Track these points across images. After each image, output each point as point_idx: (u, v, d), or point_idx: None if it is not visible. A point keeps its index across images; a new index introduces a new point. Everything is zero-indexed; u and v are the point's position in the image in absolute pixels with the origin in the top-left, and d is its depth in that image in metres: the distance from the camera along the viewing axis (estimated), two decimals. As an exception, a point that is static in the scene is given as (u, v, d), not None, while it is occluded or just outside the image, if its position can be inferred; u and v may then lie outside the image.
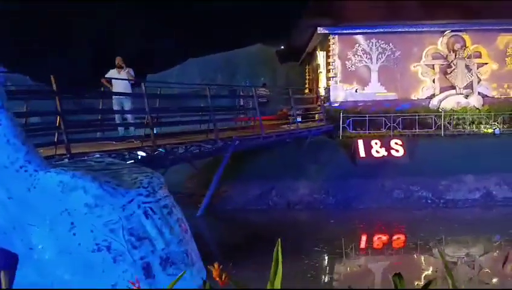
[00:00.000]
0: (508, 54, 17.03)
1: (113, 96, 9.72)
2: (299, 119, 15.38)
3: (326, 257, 8.46)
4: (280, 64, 26.02)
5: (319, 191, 12.19)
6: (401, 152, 13.05)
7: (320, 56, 19.00)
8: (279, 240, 2.23)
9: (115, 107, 9.64)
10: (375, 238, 9.96)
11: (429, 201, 11.71)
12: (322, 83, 18.80)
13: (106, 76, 9.87)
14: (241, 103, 17.35)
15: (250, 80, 23.25)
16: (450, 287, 2.15)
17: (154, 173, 5.77)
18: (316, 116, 16.85)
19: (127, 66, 10.10)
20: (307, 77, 23.54)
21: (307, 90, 22.51)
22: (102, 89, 10.56)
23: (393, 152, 13.07)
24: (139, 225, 5.11)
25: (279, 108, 18.33)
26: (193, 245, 5.57)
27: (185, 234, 5.73)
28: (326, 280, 7.55)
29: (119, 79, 9.59)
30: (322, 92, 18.33)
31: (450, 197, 11.76)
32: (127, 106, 9.50)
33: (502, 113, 15.44)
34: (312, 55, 21.14)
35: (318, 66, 19.61)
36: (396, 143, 13.23)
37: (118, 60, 9.87)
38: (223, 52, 26.94)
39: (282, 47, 24.48)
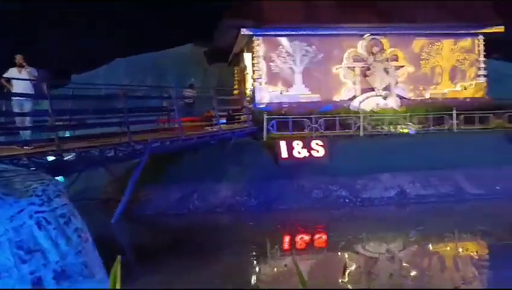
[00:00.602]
0: (422, 57, 17.96)
1: (12, 98, 8.97)
2: (223, 120, 15.22)
3: (242, 259, 8.31)
4: (209, 65, 25.73)
5: (241, 193, 12.07)
6: (322, 153, 13.26)
7: (247, 57, 18.99)
8: (119, 257, 2.00)
9: (15, 110, 8.91)
10: (292, 238, 9.97)
11: (347, 200, 11.98)
12: (249, 85, 18.80)
13: (5, 75, 9.09)
14: (164, 105, 16.86)
15: (180, 81, 22.75)
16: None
17: (52, 180, 5.31)
18: (242, 117, 16.76)
19: (38, 66, 9.41)
20: (236, 78, 23.46)
21: (236, 92, 22.41)
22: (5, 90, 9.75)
23: (314, 153, 13.26)
24: (29, 236, 4.67)
25: (206, 109, 18.07)
26: (95, 256, 5.20)
27: (84, 245, 5.33)
28: (241, 282, 7.40)
29: (19, 79, 8.87)
30: (248, 93, 18.33)
31: (367, 195, 12.10)
32: (27, 108, 8.81)
33: (417, 114, 16.21)
34: (239, 57, 21.09)
35: (245, 67, 19.59)
36: (317, 144, 13.43)
37: (19, 59, 9.12)
38: (152, 52, 26.21)
39: (210, 48, 24.20)
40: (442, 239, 9.65)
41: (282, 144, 13.32)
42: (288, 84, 17.28)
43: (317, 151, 13.30)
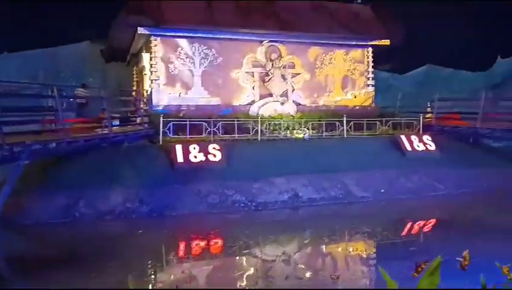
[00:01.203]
0: (317, 66, 18.73)
1: None
2: (116, 122, 14.43)
3: (129, 269, 7.80)
4: (106, 64, 24.40)
5: (133, 200, 11.46)
6: (219, 157, 13.12)
7: (145, 58, 18.29)
8: None
9: None
10: (185, 245, 9.68)
11: (242, 205, 11.95)
12: (147, 86, 18.13)
13: None
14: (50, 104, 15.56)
15: (78, 80, 21.24)
16: None
17: None
18: (138, 119, 16.08)
19: None
20: (135, 79, 22.54)
21: (134, 93, 21.52)
22: None
23: (210, 157, 13.07)
24: None
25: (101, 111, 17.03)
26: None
27: None
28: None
29: None
30: (145, 94, 17.66)
31: (262, 199, 12.18)
32: None
33: (311, 120, 16.80)
34: (138, 57, 20.27)
35: (143, 68, 18.87)
36: (214, 148, 13.27)
37: None
38: (46, 47, 24.12)
39: (106, 46, 22.97)
40: (333, 239, 10.03)
41: (178, 148, 12.95)
42: (187, 86, 16.95)
43: (214, 156, 13.13)
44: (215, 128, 14.98)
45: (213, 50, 17.22)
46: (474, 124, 16.56)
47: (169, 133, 14.58)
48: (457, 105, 19.01)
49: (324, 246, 9.60)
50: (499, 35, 33.17)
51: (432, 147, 15.46)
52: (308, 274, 7.60)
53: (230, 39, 17.24)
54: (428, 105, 19.11)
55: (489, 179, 14.67)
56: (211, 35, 16.94)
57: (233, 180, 12.45)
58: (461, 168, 14.73)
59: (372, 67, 19.64)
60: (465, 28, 36.06)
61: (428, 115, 18.65)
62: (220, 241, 10.07)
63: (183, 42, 16.86)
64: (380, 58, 20.13)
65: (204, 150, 13.15)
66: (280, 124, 16.53)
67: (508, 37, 32.80)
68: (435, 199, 13.53)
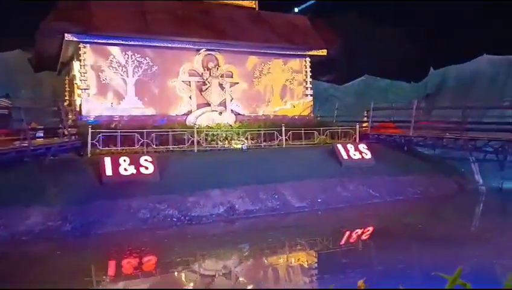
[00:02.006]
0: (255, 75, 18.57)
1: None
2: (40, 134, 13.45)
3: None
4: (37, 73, 23.01)
5: (55, 218, 10.59)
6: (151, 169, 12.51)
7: (76, 66, 17.35)
8: None
9: None
10: (113, 264, 9.01)
11: (175, 219, 11.40)
12: (77, 96, 17.16)
13: None
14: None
15: (11, 90, 19.88)
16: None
17: None
18: (65, 131, 15.11)
19: None
20: (67, 89, 21.36)
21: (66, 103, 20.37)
22: None
23: (142, 170, 12.43)
24: None
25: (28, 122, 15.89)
26: None
27: None
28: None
29: None
30: (75, 105, 16.70)
31: (196, 213, 11.70)
32: None
33: (250, 130, 16.55)
34: (69, 65, 19.23)
35: (74, 77, 17.87)
36: (146, 160, 12.64)
37: None
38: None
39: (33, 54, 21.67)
40: (271, 252, 9.73)
41: (107, 161, 12.21)
42: (120, 96, 16.21)
43: (146, 168, 12.50)
44: (148, 140, 14.33)
45: (147, 58, 16.61)
46: (407, 132, 17.01)
47: (99, 145, 13.76)
48: (392, 114, 19.49)
49: (264, 258, 9.30)
50: (431, 48, 34.80)
51: (368, 155, 15.66)
52: (250, 288, 7.38)
53: (166, 47, 16.73)
54: (365, 114, 19.47)
55: (421, 186, 15.06)
56: (145, 43, 16.33)
57: (166, 193, 11.89)
58: (395, 176, 15.01)
59: (311, 77, 19.77)
60: (401, 41, 37.61)
61: (364, 124, 18.98)
62: (147, 259, 9.47)
63: (115, 50, 16.13)
64: (320, 69, 20.36)
65: (135, 163, 12.49)
66: (218, 134, 16.13)
67: (439, 50, 34.46)
68: (371, 207, 13.64)
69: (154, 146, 14.40)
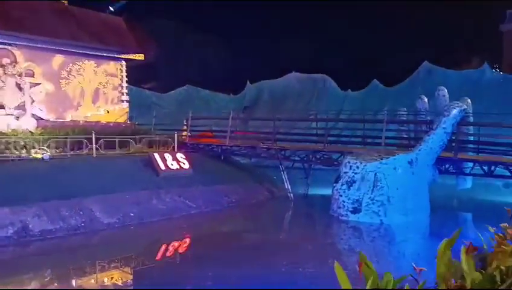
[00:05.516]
0: (63, 76, 16.57)
1: None
2: None
3: None
4: None
5: None
6: None
7: None
8: None
9: None
10: None
11: None
12: None
13: None
14: None
15: None
16: None
17: None
18: None
19: None
20: None
21: None
22: None
23: None
24: None
25: None
26: None
27: None
28: None
29: None
30: None
31: (-27, 238, 9.53)
32: None
33: (53, 137, 14.55)
34: None
35: None
36: None
37: None
38: None
39: None
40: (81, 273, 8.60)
41: None
42: None
43: None
44: None
45: None
46: (224, 141, 17.21)
47: None
48: (210, 124, 19.61)
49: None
50: (247, 61, 36.81)
51: (186, 165, 15.25)
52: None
53: None
54: (184, 123, 19.14)
55: (236, 195, 15.31)
56: None
57: None
58: (211, 185, 14.94)
59: (130, 83, 18.61)
60: (219, 51, 38.94)
61: (184, 133, 18.63)
62: None
63: None
64: (141, 76, 19.39)
65: None
66: (14, 141, 13.73)
67: (255, 64, 36.65)
68: (187, 218, 13.22)
69: None
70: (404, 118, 17.10)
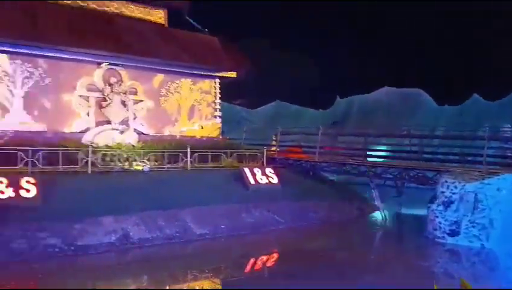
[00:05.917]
0: (162, 93, 17.72)
1: None
2: None
3: None
4: None
5: None
6: (33, 192, 11.02)
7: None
8: None
9: None
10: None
11: (57, 249, 10.04)
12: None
13: None
14: None
15: None
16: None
17: None
18: None
19: None
20: None
21: None
22: None
23: (22, 193, 10.90)
24: None
25: None
26: None
27: None
28: None
29: None
30: None
31: (82, 242, 10.43)
32: None
33: (152, 150, 15.56)
34: None
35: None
36: (28, 182, 11.13)
37: None
38: None
39: None
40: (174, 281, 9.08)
41: (-24, 183, 10.55)
42: (4, 109, 14.43)
43: (28, 191, 10.99)
44: (34, 159, 12.76)
45: (40, 69, 15.06)
46: (313, 157, 17.12)
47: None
48: (299, 139, 19.65)
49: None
50: (337, 78, 36.45)
51: (275, 180, 15.41)
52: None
53: (62, 58, 15.30)
54: (273, 138, 19.40)
55: (323, 211, 15.10)
56: (37, 52, 14.78)
57: (49, 220, 10.49)
58: (300, 201, 14.90)
59: (223, 99, 19.39)
60: (308, 70, 39.04)
61: (273, 148, 18.87)
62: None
63: (1, 57, 14.40)
64: (233, 92, 20.14)
65: (14, 185, 10.94)
66: (118, 154, 14.92)
67: (343, 79, 36.15)
68: (275, 233, 13.30)
69: (41, 166, 12.86)
70: (508, 135, 15.75)
